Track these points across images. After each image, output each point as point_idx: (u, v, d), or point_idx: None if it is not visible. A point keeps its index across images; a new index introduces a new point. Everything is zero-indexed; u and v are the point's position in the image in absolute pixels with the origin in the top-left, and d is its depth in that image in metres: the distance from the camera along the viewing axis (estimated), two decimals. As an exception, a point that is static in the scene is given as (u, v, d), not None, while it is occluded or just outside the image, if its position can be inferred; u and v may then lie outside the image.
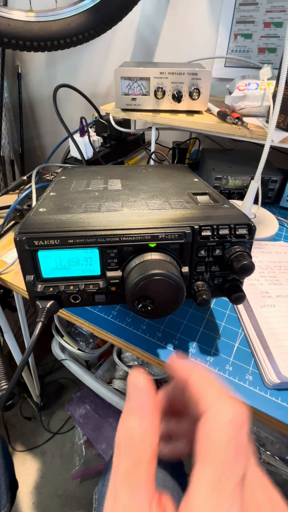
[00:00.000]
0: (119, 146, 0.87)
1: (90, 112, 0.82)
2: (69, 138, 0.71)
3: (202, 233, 0.32)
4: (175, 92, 0.61)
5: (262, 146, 0.45)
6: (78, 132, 0.73)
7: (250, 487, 0.15)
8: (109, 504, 0.15)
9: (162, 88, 0.61)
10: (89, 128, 0.75)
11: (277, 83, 0.51)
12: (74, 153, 0.75)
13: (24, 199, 0.59)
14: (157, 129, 0.72)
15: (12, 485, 0.53)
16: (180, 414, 0.22)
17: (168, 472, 0.45)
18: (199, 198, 0.39)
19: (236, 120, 0.57)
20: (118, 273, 0.32)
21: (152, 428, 0.17)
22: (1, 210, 0.64)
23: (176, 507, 0.15)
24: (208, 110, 0.65)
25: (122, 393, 0.88)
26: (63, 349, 0.97)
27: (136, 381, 0.18)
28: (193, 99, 0.62)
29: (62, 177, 0.48)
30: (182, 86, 0.61)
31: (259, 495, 0.16)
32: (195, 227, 0.31)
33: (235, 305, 0.45)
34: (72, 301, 0.33)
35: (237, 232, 0.32)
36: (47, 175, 0.72)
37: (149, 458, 0.16)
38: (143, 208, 0.36)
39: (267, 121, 0.58)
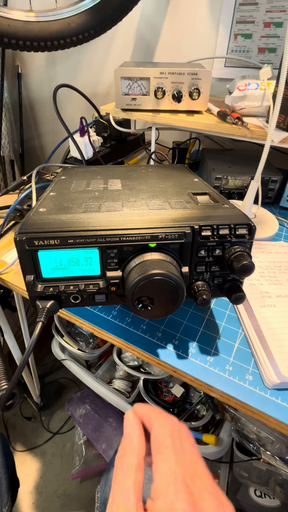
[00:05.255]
0: (119, 146, 0.87)
1: (90, 112, 0.82)
2: (69, 138, 0.71)
3: (202, 233, 0.32)
4: (175, 92, 0.61)
5: (262, 146, 0.45)
6: (78, 132, 0.73)
7: (188, 458, 0.22)
8: (109, 507, 0.21)
9: (162, 88, 0.61)
10: (89, 128, 0.75)
11: (277, 83, 0.51)
12: (74, 153, 0.75)
13: (24, 199, 0.59)
14: (157, 129, 0.72)
15: (14, 484, 0.53)
16: None
17: None
18: (199, 198, 0.39)
19: (236, 120, 0.57)
20: (118, 273, 0.32)
21: (137, 445, 0.24)
22: (1, 210, 0.64)
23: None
24: (208, 110, 0.65)
25: (122, 393, 0.88)
26: (63, 349, 0.97)
27: (128, 415, 0.26)
28: (193, 99, 0.62)
29: (62, 177, 0.48)
30: (182, 86, 0.61)
31: (194, 460, 0.23)
32: (195, 227, 0.31)
33: (235, 305, 0.45)
34: (72, 301, 0.33)
35: (237, 232, 0.32)
36: (47, 175, 0.72)
37: (136, 467, 0.22)
38: (143, 208, 0.36)
39: (267, 121, 0.58)
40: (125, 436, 0.25)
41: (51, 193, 0.40)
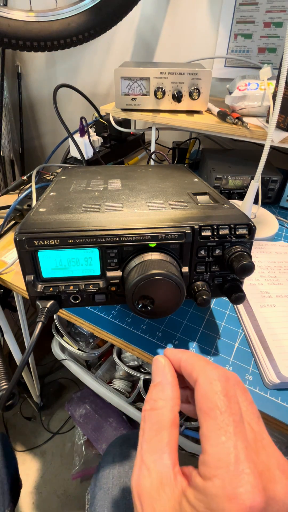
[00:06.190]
0: (119, 146, 0.87)
1: (90, 112, 0.82)
2: (69, 138, 0.71)
3: (202, 233, 0.32)
4: (175, 92, 0.61)
5: (262, 146, 0.45)
6: (78, 132, 0.73)
7: (248, 424, 0.18)
8: (136, 469, 0.18)
9: (162, 88, 0.61)
10: (89, 128, 0.75)
11: (277, 83, 0.51)
12: (74, 153, 0.75)
13: (24, 199, 0.59)
14: (157, 129, 0.72)
15: (16, 485, 0.53)
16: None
17: None
18: (199, 198, 0.39)
19: (236, 120, 0.57)
20: (118, 273, 0.32)
21: (172, 396, 0.19)
22: (1, 210, 0.64)
23: (196, 469, 0.17)
24: (208, 110, 0.65)
25: (122, 393, 0.88)
26: (63, 349, 0.97)
27: (159, 359, 0.22)
28: (193, 99, 0.62)
29: (62, 177, 0.48)
30: (182, 86, 0.61)
31: (255, 427, 0.18)
32: (195, 227, 0.31)
33: (235, 305, 0.45)
34: (72, 301, 0.33)
35: (237, 232, 0.32)
36: (47, 175, 0.72)
37: (171, 423, 0.18)
38: (143, 208, 0.36)
39: (267, 121, 0.58)
40: (155, 385, 0.21)
41: (51, 193, 0.40)
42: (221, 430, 0.16)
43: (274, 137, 0.53)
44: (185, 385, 0.22)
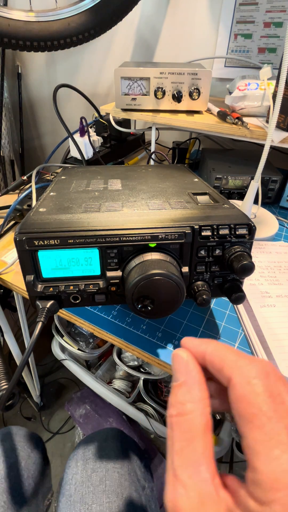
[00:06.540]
0: (119, 146, 0.87)
1: (90, 112, 0.82)
2: (69, 138, 0.71)
3: (202, 233, 0.32)
4: (175, 92, 0.61)
5: (262, 146, 0.45)
6: (78, 132, 0.73)
7: None
8: (169, 487, 0.15)
9: (162, 88, 0.61)
10: (89, 128, 0.75)
11: (277, 83, 0.51)
12: (74, 153, 0.75)
13: (24, 199, 0.59)
14: (157, 129, 0.72)
15: (47, 494, 0.53)
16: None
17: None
18: (199, 198, 0.39)
19: (236, 120, 0.57)
20: (118, 273, 0.32)
21: (201, 397, 0.17)
22: (1, 210, 0.64)
23: (241, 482, 0.15)
24: (208, 110, 0.65)
25: (122, 393, 0.88)
26: (63, 349, 0.97)
27: (180, 355, 0.19)
28: (193, 99, 0.62)
29: (62, 177, 0.48)
30: (182, 86, 0.61)
31: None
32: (195, 227, 0.31)
33: (235, 305, 0.45)
34: (72, 301, 0.33)
35: (237, 232, 0.32)
36: (47, 175, 0.72)
37: (203, 428, 0.16)
38: (143, 208, 0.36)
39: (267, 121, 0.58)
40: (179, 386, 0.17)
41: (51, 193, 0.40)
42: (272, 441, 0.14)
43: (274, 137, 0.53)
44: (208, 376, 0.19)
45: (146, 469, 0.50)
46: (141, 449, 0.53)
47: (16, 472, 0.47)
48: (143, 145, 0.95)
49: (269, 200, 0.70)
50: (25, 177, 0.70)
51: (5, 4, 0.97)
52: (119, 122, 0.76)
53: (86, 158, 0.72)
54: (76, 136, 0.72)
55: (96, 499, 0.42)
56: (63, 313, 0.45)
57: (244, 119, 0.57)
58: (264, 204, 0.69)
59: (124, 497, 0.43)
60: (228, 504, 0.14)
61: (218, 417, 0.77)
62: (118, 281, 0.32)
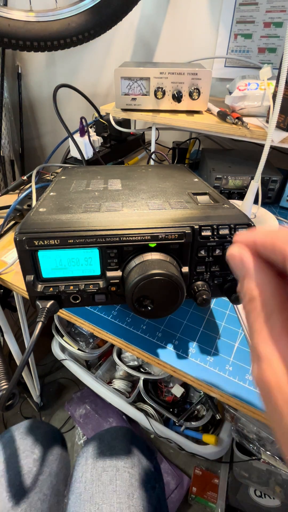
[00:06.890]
0: (119, 146, 0.87)
1: (90, 112, 0.82)
2: (69, 138, 0.71)
3: (202, 233, 0.32)
4: (175, 92, 0.61)
5: (262, 146, 0.45)
6: (78, 132, 0.73)
7: None
8: (254, 366, 0.15)
9: (162, 88, 0.61)
10: (89, 128, 0.75)
11: (277, 83, 0.51)
12: (74, 153, 0.75)
13: (24, 199, 0.59)
14: (157, 129, 0.72)
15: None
16: None
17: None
18: (199, 198, 0.39)
19: (236, 120, 0.57)
20: (118, 273, 0.32)
21: (267, 280, 0.17)
22: (1, 210, 0.64)
23: None
24: (208, 110, 0.65)
25: (122, 393, 0.88)
26: (63, 349, 0.97)
27: (233, 254, 0.19)
28: (193, 99, 0.62)
29: (62, 177, 0.48)
30: (182, 86, 0.61)
31: None
32: (195, 227, 0.31)
33: (235, 305, 0.45)
34: (72, 301, 0.33)
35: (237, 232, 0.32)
36: (47, 175, 0.72)
37: (279, 309, 0.16)
38: (143, 208, 0.36)
39: (267, 121, 0.58)
40: (242, 278, 0.18)
41: (51, 193, 0.40)
42: None
43: (274, 137, 0.53)
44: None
45: (156, 469, 0.50)
46: (150, 448, 0.53)
47: (49, 468, 0.48)
48: (143, 145, 0.95)
49: (269, 200, 0.70)
50: (25, 177, 0.70)
51: (5, 4, 0.97)
52: (119, 122, 0.76)
53: (86, 158, 0.72)
54: (76, 136, 0.72)
55: (106, 499, 0.42)
56: (63, 313, 0.45)
57: (244, 119, 0.57)
58: (264, 204, 0.69)
59: (134, 498, 0.43)
60: None
61: (217, 417, 0.77)
62: (118, 281, 0.32)
